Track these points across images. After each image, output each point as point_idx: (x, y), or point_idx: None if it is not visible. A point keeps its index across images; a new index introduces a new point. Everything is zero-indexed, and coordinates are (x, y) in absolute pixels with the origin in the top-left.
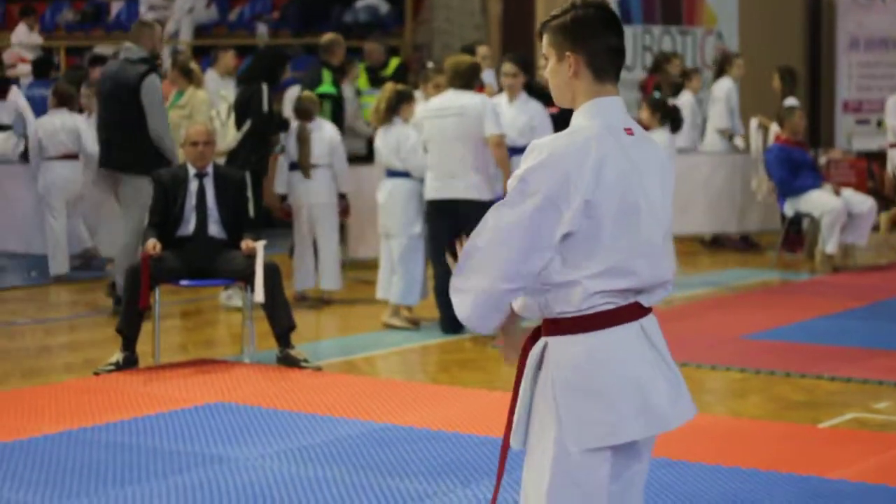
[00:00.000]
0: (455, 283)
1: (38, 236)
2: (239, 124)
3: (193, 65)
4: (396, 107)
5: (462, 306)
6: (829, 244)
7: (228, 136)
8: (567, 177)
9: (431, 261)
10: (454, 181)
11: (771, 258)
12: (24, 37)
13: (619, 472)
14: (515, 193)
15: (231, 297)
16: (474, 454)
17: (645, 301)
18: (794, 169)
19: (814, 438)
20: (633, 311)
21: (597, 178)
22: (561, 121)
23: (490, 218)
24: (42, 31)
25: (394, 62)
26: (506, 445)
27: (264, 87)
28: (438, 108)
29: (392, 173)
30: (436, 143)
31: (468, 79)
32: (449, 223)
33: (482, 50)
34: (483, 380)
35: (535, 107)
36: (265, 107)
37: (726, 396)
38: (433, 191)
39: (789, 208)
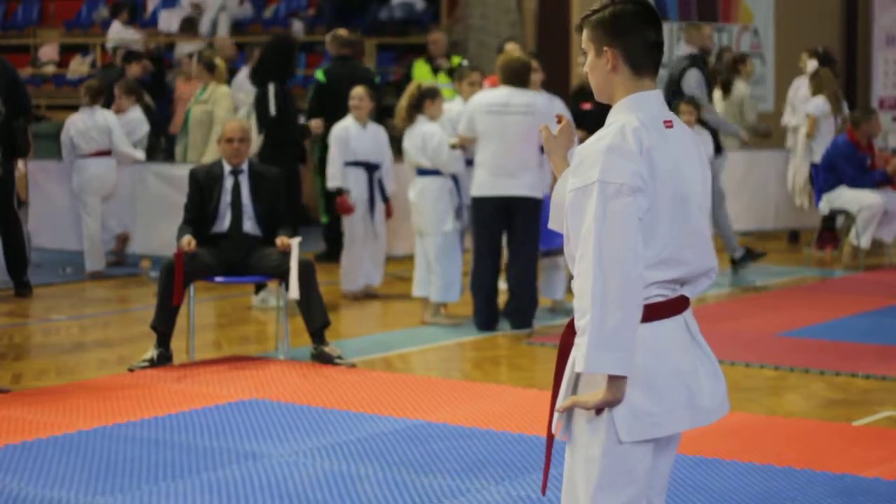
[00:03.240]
0: (582, 324)
1: (72, 233)
2: (259, 127)
3: (218, 60)
4: (419, 105)
5: (618, 320)
6: (864, 239)
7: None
8: (632, 164)
9: (473, 256)
10: (511, 179)
11: (806, 256)
12: (122, 33)
13: (654, 462)
14: (599, 199)
15: (264, 300)
16: (508, 451)
17: (689, 292)
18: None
19: (848, 436)
20: (679, 304)
21: (651, 169)
22: (595, 117)
23: (589, 239)
24: (77, 27)
25: (455, 60)
26: (551, 436)
27: (271, 89)
28: (501, 104)
29: (422, 171)
30: (494, 140)
31: (524, 75)
32: (500, 220)
33: (509, 46)
34: (517, 377)
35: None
36: (272, 110)
37: (761, 394)
38: (486, 187)
39: (825, 205)
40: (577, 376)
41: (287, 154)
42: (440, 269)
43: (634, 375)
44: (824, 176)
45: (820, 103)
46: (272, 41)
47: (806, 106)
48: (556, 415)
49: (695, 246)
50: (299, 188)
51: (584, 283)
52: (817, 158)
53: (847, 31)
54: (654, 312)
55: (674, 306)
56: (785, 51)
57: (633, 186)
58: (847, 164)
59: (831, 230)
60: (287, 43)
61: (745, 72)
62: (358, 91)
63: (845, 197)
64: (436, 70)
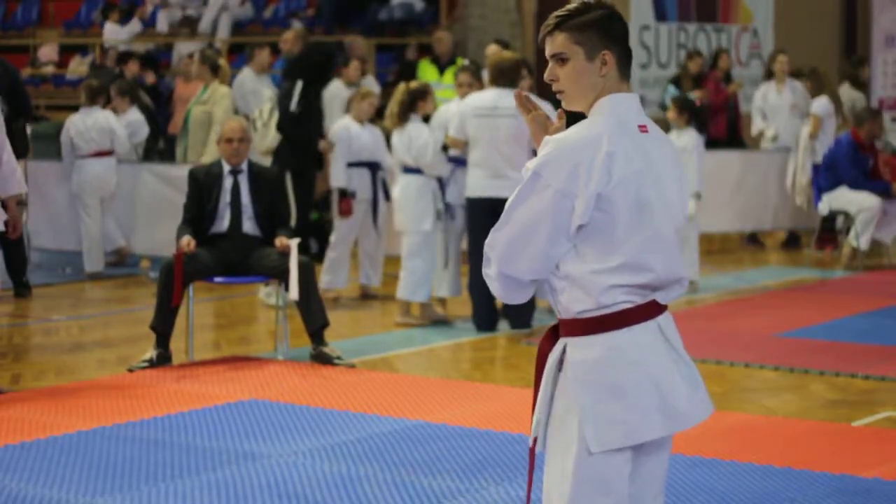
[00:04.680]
0: (486, 272)
1: (72, 233)
2: (278, 122)
3: (222, 61)
4: (411, 106)
5: (496, 290)
6: (863, 240)
7: (269, 135)
8: (576, 169)
9: (470, 258)
10: (503, 180)
11: (806, 256)
12: (118, 33)
13: (636, 471)
14: (528, 186)
15: (270, 294)
16: (507, 451)
17: (661, 298)
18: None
19: (847, 437)
20: (651, 310)
21: (609, 173)
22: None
23: (509, 212)
24: (77, 28)
25: (460, 61)
26: (534, 446)
27: (298, 86)
28: (487, 107)
29: (407, 170)
30: (484, 143)
31: (513, 76)
32: (494, 221)
33: (491, 48)
34: (516, 377)
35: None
36: (293, 106)
37: (760, 394)
38: (479, 188)
39: (824, 206)
40: (556, 383)
41: (304, 156)
42: (410, 267)
43: (603, 383)
44: (825, 175)
45: (824, 102)
46: (317, 45)
47: (810, 105)
48: (533, 428)
49: (661, 252)
50: (311, 191)
51: (492, 237)
52: (819, 158)
53: (846, 32)
54: (622, 319)
55: (645, 311)
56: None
57: (560, 189)
58: (849, 164)
59: (831, 231)
60: (329, 52)
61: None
62: (369, 91)
63: (845, 198)
64: (442, 70)
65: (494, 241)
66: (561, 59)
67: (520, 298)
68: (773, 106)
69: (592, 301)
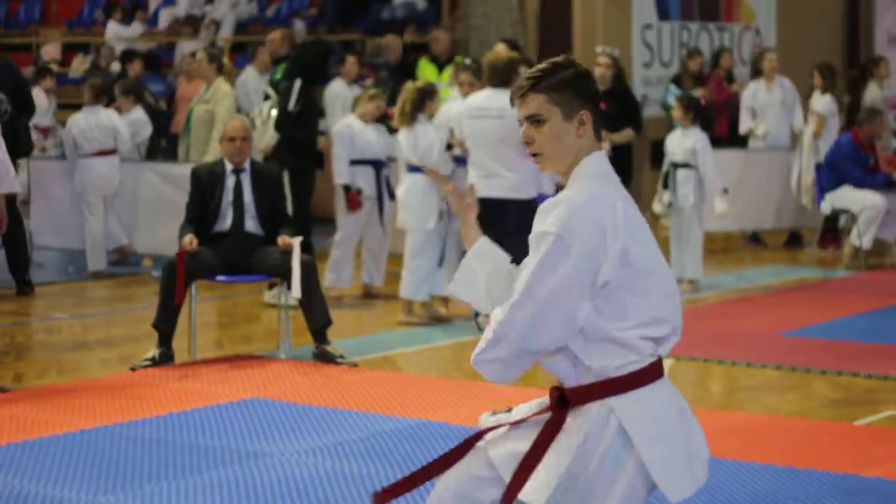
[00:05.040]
0: (488, 355)
1: (74, 232)
2: (276, 121)
3: (226, 60)
4: (421, 105)
5: (494, 372)
6: (866, 239)
7: (267, 133)
8: (603, 228)
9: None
10: (495, 180)
11: (808, 255)
12: (120, 32)
13: None
14: (552, 254)
15: (276, 297)
16: None
17: (662, 352)
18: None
19: (850, 436)
20: (661, 366)
21: (626, 228)
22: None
23: (531, 286)
24: (79, 26)
25: (459, 59)
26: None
27: (296, 85)
28: (478, 108)
29: (412, 168)
30: (476, 143)
31: (507, 76)
32: (487, 221)
33: (499, 46)
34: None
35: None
36: (290, 105)
37: (762, 394)
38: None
39: (827, 205)
40: (587, 454)
41: (303, 155)
42: (413, 266)
43: (666, 435)
44: (827, 175)
45: (828, 101)
46: (312, 42)
47: (814, 104)
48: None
49: (673, 299)
50: (311, 191)
51: (509, 316)
52: (822, 157)
53: (849, 31)
54: (652, 373)
55: (660, 367)
56: (787, 50)
57: (589, 252)
58: (851, 164)
59: (833, 230)
60: (319, 47)
61: (878, 75)
62: (377, 93)
63: (848, 197)
64: (441, 68)
65: (513, 321)
66: (537, 121)
67: (515, 377)
68: (762, 104)
69: (632, 354)
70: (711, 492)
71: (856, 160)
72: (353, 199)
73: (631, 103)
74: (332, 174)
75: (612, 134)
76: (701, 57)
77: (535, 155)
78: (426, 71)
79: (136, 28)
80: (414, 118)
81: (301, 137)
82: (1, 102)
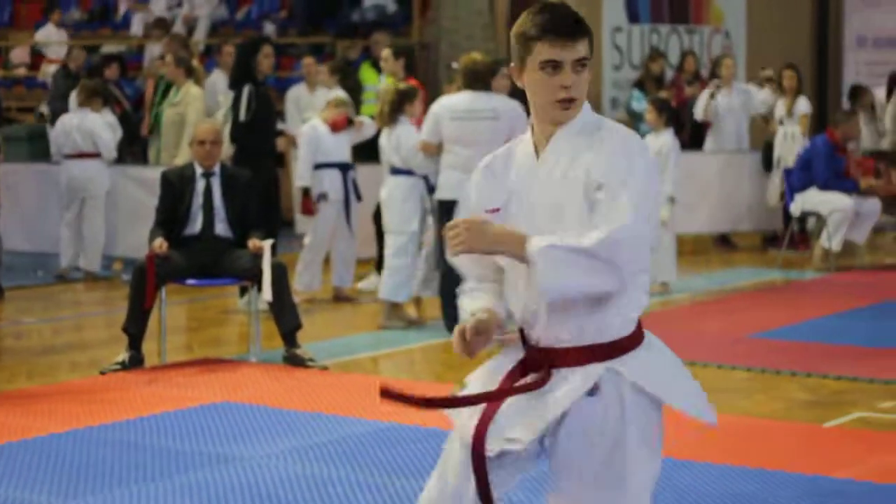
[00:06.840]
0: (604, 274)
1: (44, 235)
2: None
3: (195, 63)
4: (400, 107)
5: (575, 280)
6: (835, 241)
7: (224, 143)
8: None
9: (441, 261)
10: None
11: (776, 257)
12: (53, 35)
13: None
14: (643, 156)
15: (250, 302)
16: None
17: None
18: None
19: (820, 438)
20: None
21: None
22: None
23: (639, 192)
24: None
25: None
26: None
27: (245, 92)
28: (465, 110)
29: (395, 171)
30: (461, 145)
31: (486, 78)
32: None
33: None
34: None
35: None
36: (242, 115)
37: (732, 396)
38: (456, 190)
39: (797, 207)
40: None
41: (263, 162)
42: (394, 268)
43: (681, 370)
44: (798, 175)
45: (806, 102)
46: (242, 42)
47: (798, 106)
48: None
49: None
50: (278, 194)
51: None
52: (791, 161)
53: (818, 33)
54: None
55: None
56: (756, 52)
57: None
58: (824, 164)
59: (802, 231)
60: (254, 41)
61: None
62: (343, 100)
63: (817, 199)
64: (381, 72)
65: (621, 241)
66: (584, 65)
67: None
68: (723, 108)
69: (638, 307)
70: (682, 493)
71: (829, 161)
72: (308, 204)
73: None
74: (293, 177)
75: None
76: (662, 59)
77: (570, 101)
78: (367, 75)
79: (62, 34)
80: (394, 120)
81: (256, 145)
82: None
